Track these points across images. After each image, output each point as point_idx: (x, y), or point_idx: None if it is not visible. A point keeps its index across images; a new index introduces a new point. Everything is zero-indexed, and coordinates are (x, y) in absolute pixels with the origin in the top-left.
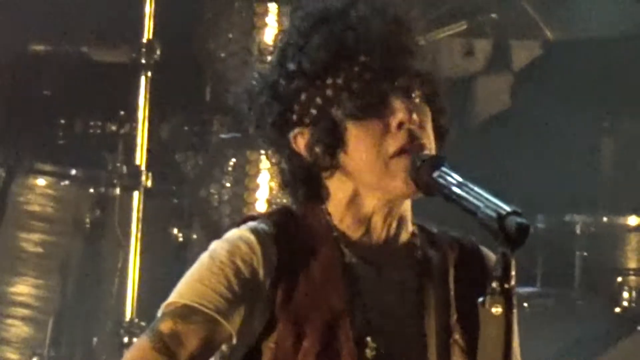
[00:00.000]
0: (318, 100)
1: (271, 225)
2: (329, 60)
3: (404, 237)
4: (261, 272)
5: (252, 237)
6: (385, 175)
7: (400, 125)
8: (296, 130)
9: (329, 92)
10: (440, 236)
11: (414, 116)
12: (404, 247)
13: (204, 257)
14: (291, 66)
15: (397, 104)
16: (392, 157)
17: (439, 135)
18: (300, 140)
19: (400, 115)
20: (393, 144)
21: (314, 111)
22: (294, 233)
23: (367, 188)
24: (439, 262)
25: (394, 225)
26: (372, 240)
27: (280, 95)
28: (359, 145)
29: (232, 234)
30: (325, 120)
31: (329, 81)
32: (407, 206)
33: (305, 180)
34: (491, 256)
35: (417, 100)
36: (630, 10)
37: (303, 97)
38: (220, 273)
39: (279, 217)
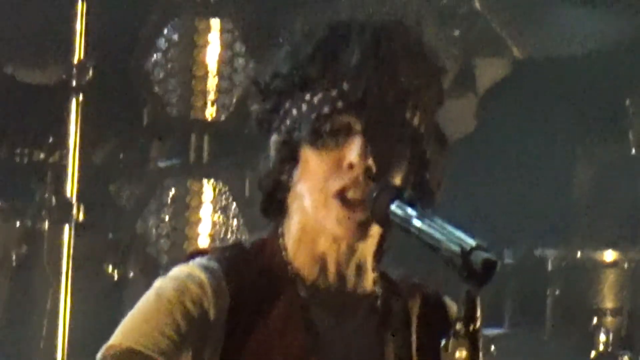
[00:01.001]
0: (294, 112)
1: (222, 263)
2: (294, 79)
3: (364, 283)
4: (212, 313)
5: (202, 276)
6: (322, 212)
7: (350, 166)
8: (275, 137)
9: (303, 107)
10: (402, 284)
11: (369, 162)
12: (364, 294)
13: (149, 295)
14: (283, 70)
15: (358, 144)
16: (333, 197)
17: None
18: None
19: (353, 156)
20: (338, 182)
21: (288, 122)
22: (246, 272)
23: (314, 222)
24: (400, 312)
25: (351, 270)
26: (329, 283)
27: (270, 99)
28: (311, 172)
29: (180, 270)
30: (291, 135)
31: (307, 97)
32: (366, 251)
33: (274, 199)
34: (454, 306)
35: (386, 143)
36: (600, 27)
37: (286, 105)
38: (168, 313)
39: (230, 255)
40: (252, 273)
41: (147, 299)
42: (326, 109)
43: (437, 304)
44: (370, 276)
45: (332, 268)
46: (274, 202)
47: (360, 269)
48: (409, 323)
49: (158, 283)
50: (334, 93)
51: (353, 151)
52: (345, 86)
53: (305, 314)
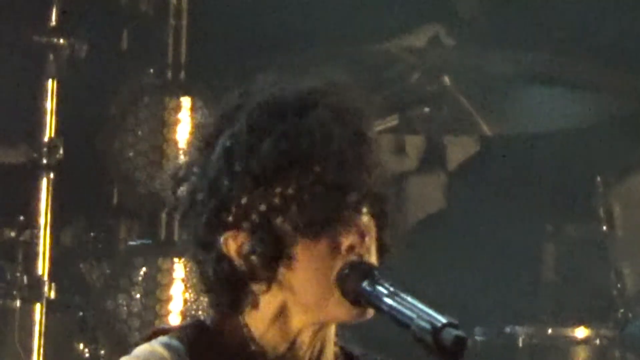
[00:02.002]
0: (262, 207)
1: (184, 342)
2: (280, 165)
3: (326, 359)
4: None
5: (165, 354)
6: (326, 301)
7: (350, 248)
8: (229, 233)
9: (276, 200)
10: (363, 359)
11: (367, 239)
12: None
13: None
14: (237, 166)
15: (349, 223)
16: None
17: (380, 252)
18: (231, 244)
19: (351, 237)
20: (340, 268)
21: (254, 217)
22: (208, 351)
23: (300, 306)
24: None
25: (318, 346)
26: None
27: (219, 194)
28: (305, 264)
29: (143, 349)
30: (268, 230)
31: (278, 189)
32: (333, 326)
33: (232, 288)
34: None
35: (366, 218)
36: (570, 105)
37: (244, 200)
38: None
39: (191, 333)
40: (214, 352)
41: None
42: (307, 197)
43: None
44: (332, 349)
45: (303, 347)
46: (236, 297)
47: (324, 344)
48: None
49: None
50: (309, 179)
51: (350, 233)
52: (317, 168)
53: None
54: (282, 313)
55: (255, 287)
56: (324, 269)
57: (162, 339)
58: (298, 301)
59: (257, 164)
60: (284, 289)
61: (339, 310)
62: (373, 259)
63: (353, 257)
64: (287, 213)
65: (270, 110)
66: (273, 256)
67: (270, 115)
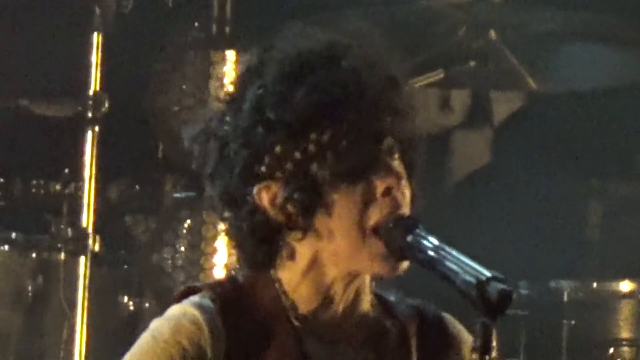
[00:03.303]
0: (297, 154)
1: (216, 301)
2: (314, 114)
3: (362, 308)
4: (209, 352)
5: (197, 314)
6: (360, 250)
7: (386, 191)
8: (262, 184)
9: (311, 148)
10: (399, 305)
11: (403, 181)
12: (360, 320)
13: (145, 337)
14: (271, 115)
15: (385, 167)
16: (373, 231)
17: (411, 200)
18: (264, 195)
19: (388, 180)
20: (376, 213)
21: (289, 166)
22: (240, 308)
23: (334, 256)
24: (398, 335)
25: (352, 296)
26: (327, 313)
27: (252, 144)
28: (341, 210)
29: (174, 310)
30: (304, 178)
31: (313, 136)
32: (367, 276)
33: (267, 240)
34: (455, 324)
35: (397, 163)
36: (618, 63)
37: (278, 149)
38: (165, 354)
39: (223, 291)
40: (246, 309)
41: (144, 341)
42: (343, 144)
43: (436, 324)
44: (367, 298)
45: (336, 299)
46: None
47: (359, 293)
48: (407, 346)
49: (154, 324)
50: (344, 126)
51: (387, 175)
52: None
53: (301, 346)
54: (315, 264)
55: (291, 237)
56: (358, 215)
57: (194, 298)
58: (333, 250)
59: (291, 113)
60: (319, 237)
61: (373, 262)
62: (407, 203)
63: (389, 204)
64: (323, 160)
65: (300, 59)
66: (311, 203)
67: (300, 65)
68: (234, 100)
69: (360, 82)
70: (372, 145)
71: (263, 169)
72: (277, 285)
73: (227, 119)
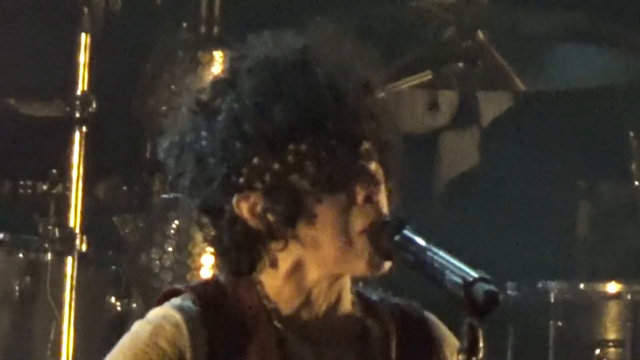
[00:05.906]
0: (276, 166)
1: (197, 303)
2: (292, 126)
3: (343, 308)
4: (188, 354)
5: (177, 317)
6: (348, 253)
7: (367, 198)
8: (241, 195)
9: (290, 158)
10: (381, 304)
11: (381, 187)
12: (342, 320)
13: (125, 340)
14: (248, 129)
15: (364, 172)
16: (359, 235)
17: (388, 200)
18: (243, 205)
19: (367, 187)
20: (361, 220)
21: (268, 177)
22: (222, 311)
23: (318, 261)
24: (379, 335)
25: (334, 296)
26: (309, 313)
27: (230, 158)
28: (325, 219)
29: (155, 313)
30: (284, 189)
31: (291, 147)
32: (348, 275)
33: (248, 249)
34: (438, 324)
35: (375, 166)
36: (606, 63)
37: (256, 161)
38: (144, 357)
39: (205, 293)
40: (228, 311)
41: (123, 343)
42: (322, 153)
43: (419, 323)
44: (348, 297)
45: (318, 300)
46: (254, 257)
47: (341, 293)
48: (389, 346)
49: (135, 327)
50: (322, 134)
51: (365, 182)
52: (329, 124)
53: (282, 347)
54: (298, 269)
55: (272, 246)
56: (342, 222)
57: (175, 301)
58: (316, 256)
59: (269, 126)
60: (303, 245)
61: (357, 263)
62: (386, 206)
63: (373, 209)
64: (302, 170)
65: (274, 70)
66: (292, 214)
67: (274, 76)
68: (207, 111)
69: (336, 88)
70: (350, 152)
71: (242, 180)
72: (258, 287)
73: (203, 132)
